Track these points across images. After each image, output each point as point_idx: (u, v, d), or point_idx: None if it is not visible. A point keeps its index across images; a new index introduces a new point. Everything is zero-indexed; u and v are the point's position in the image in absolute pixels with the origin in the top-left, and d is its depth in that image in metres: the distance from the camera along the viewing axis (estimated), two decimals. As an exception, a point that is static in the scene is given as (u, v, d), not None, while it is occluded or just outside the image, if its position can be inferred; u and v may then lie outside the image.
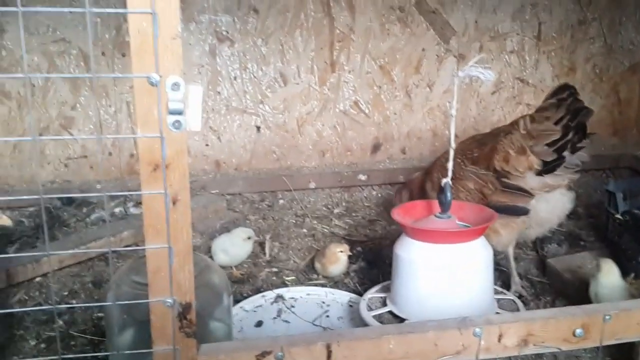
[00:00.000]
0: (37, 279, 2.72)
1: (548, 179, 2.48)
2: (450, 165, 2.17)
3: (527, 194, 2.48)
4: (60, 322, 2.38)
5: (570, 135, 2.43)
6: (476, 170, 2.66)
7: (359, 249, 3.08)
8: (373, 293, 2.41)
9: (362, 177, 3.95)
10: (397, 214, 2.27)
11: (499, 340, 1.55)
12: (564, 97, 2.46)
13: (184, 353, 1.32)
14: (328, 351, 1.41)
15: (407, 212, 2.33)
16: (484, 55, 4.00)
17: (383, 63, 4.01)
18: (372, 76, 4.02)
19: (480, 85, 4.15)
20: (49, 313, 2.43)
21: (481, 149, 2.69)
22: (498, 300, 2.22)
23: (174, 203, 1.24)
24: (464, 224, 2.25)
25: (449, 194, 2.17)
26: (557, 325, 1.59)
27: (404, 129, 4.15)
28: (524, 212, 2.51)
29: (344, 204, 3.82)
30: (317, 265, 2.81)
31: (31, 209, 3.40)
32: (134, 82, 1.15)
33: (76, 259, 2.84)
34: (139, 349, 1.39)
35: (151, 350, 1.31)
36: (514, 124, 2.59)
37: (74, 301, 2.59)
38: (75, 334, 2.32)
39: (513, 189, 2.52)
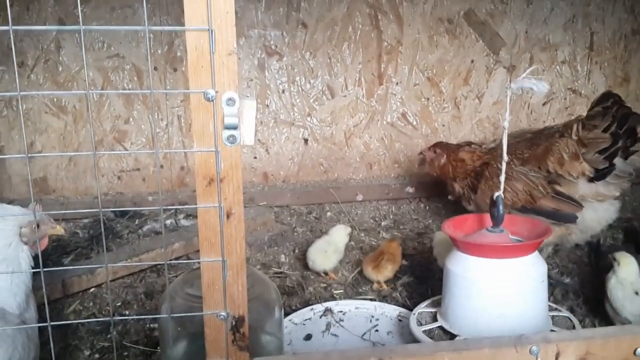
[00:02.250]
0: (92, 290, 2.78)
1: (600, 187, 2.43)
2: (502, 178, 2.13)
3: (577, 203, 2.43)
4: (114, 333, 2.43)
5: (620, 143, 2.38)
6: (527, 172, 2.62)
7: (406, 262, 3.05)
8: (423, 308, 2.38)
9: (410, 190, 3.92)
10: (448, 228, 2.24)
11: (556, 358, 1.51)
12: (609, 105, 2.41)
13: (237, 366, 1.33)
14: (381, 367, 1.39)
15: (458, 226, 2.30)
16: (536, 66, 3.94)
17: (431, 75, 3.99)
18: (420, 88, 4.00)
19: (531, 96, 4.09)
20: (103, 324, 2.47)
21: (532, 149, 2.65)
22: (552, 317, 2.16)
23: (228, 216, 1.25)
24: (517, 238, 2.20)
25: (501, 208, 2.12)
26: (617, 343, 1.53)
27: (452, 140, 4.10)
28: (572, 219, 2.45)
29: (391, 216, 3.79)
30: (367, 270, 2.82)
31: (85, 220, 3.49)
32: (191, 97, 1.17)
33: (129, 270, 2.89)
34: (192, 360, 1.41)
35: (205, 362, 1.32)
36: (567, 127, 2.55)
37: (127, 312, 2.63)
38: (128, 344, 2.36)
39: (564, 198, 2.47)
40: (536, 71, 2.52)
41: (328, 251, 2.90)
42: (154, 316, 1.49)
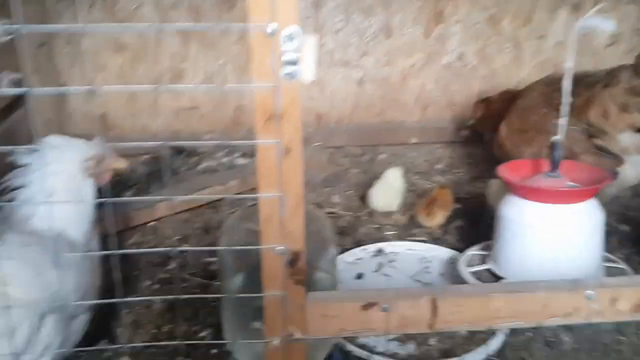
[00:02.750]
0: (151, 223, 2.88)
1: None
2: (564, 121, 2.07)
3: (619, 158, 2.34)
4: (173, 265, 2.52)
5: None
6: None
7: (460, 206, 3.04)
8: (474, 251, 2.39)
9: (466, 133, 3.86)
10: (504, 171, 2.21)
11: (612, 304, 1.49)
12: None
13: (293, 299, 1.36)
14: (433, 306, 1.40)
15: (514, 170, 2.26)
16: (604, 4, 3.75)
17: (492, 13, 3.84)
18: (479, 27, 3.87)
19: (596, 37, 3.91)
20: (162, 256, 2.57)
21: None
22: (607, 268, 2.13)
23: (286, 153, 1.26)
24: (574, 184, 2.16)
25: (559, 152, 2.07)
26: (675, 291, 1.50)
27: (511, 83, 3.99)
28: (614, 175, 2.37)
29: (445, 159, 3.75)
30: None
31: (144, 157, 3.57)
32: (251, 32, 1.16)
33: (187, 205, 2.97)
34: (248, 292, 1.45)
35: (262, 295, 1.35)
36: (612, 75, 2.41)
37: (185, 245, 2.72)
38: (186, 276, 2.45)
39: (606, 152, 2.37)
40: (604, 9, 2.39)
41: (390, 193, 2.94)
42: (213, 248, 1.53)
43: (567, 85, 2.02)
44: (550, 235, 2.02)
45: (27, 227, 1.74)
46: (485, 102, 3.38)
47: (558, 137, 2.05)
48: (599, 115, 2.41)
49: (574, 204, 2.02)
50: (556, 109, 2.64)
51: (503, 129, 2.89)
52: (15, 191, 1.80)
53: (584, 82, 2.57)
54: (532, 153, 2.71)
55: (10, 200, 1.78)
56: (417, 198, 3.07)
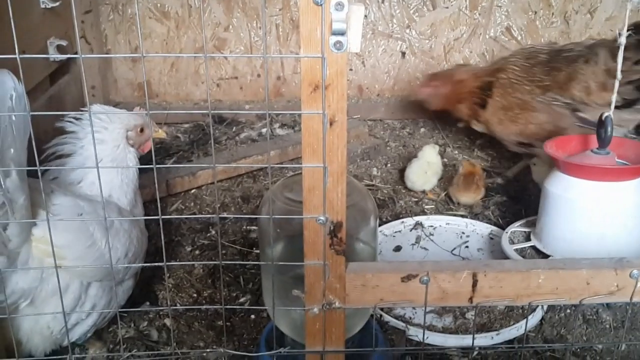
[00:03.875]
0: (192, 191, 2.92)
1: (625, 113, 2.31)
2: (614, 97, 2.02)
3: None
4: (213, 232, 2.56)
5: None
6: (550, 101, 2.51)
7: (500, 181, 3.00)
8: (516, 227, 2.36)
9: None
10: (550, 147, 2.18)
11: (657, 285, 1.47)
12: None
13: (333, 269, 1.37)
14: (474, 280, 1.40)
15: (561, 146, 2.23)
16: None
17: (541, -14, 3.75)
18: (527, 1, 3.77)
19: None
20: (203, 222, 2.61)
21: (552, 74, 2.53)
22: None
23: (331, 124, 1.25)
24: (623, 161, 2.11)
25: (609, 128, 2.03)
26: None
27: (558, 58, 3.91)
28: None
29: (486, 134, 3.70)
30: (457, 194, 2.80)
31: (185, 125, 3.62)
32: (300, 1, 1.16)
33: (227, 174, 3.00)
34: (288, 261, 1.47)
35: (303, 263, 1.37)
36: (594, 51, 2.42)
37: (225, 213, 2.76)
38: (226, 243, 2.49)
39: (589, 125, 2.36)
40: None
41: (428, 172, 2.89)
42: (255, 216, 1.55)
43: (619, 61, 1.96)
44: (598, 213, 1.99)
45: (76, 192, 1.79)
46: (442, 77, 3.28)
47: (609, 114, 2.00)
48: (582, 91, 2.43)
49: (622, 182, 1.98)
50: (538, 85, 2.62)
51: (488, 108, 2.85)
52: (63, 158, 1.86)
53: (563, 57, 2.56)
54: (518, 130, 2.70)
55: (58, 165, 1.83)
56: (456, 173, 3.03)
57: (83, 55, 1.20)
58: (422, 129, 3.74)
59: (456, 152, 3.43)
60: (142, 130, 1.99)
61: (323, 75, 1.22)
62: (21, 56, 1.19)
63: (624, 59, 2.28)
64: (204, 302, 2.15)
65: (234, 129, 3.56)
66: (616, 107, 2.34)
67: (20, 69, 1.22)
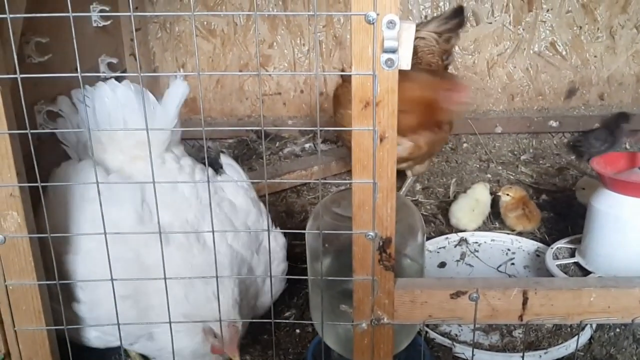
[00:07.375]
0: (237, 205, 2.95)
1: None
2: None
3: None
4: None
5: None
6: None
7: (545, 197, 2.97)
8: (562, 244, 2.34)
9: (554, 124, 3.74)
10: (598, 164, 2.15)
11: None
12: None
13: (382, 284, 1.38)
14: (524, 298, 1.39)
15: (609, 163, 2.20)
16: None
17: (586, 1, 3.71)
18: (572, 15, 3.74)
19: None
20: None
21: None
22: None
23: (381, 140, 1.27)
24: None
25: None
26: None
27: (604, 73, 3.85)
28: None
29: (531, 150, 3.67)
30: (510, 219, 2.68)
31: (230, 140, 3.67)
32: (352, 19, 1.18)
33: (271, 189, 3.03)
34: (334, 276, 1.47)
35: (352, 279, 1.38)
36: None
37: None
38: (271, 257, 2.50)
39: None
40: None
41: (475, 210, 2.70)
42: (304, 231, 1.57)
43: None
44: (644, 231, 1.96)
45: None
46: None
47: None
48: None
49: (671, 200, 1.94)
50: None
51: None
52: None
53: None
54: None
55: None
56: (499, 188, 2.94)
57: (142, 74, 1.24)
58: (465, 145, 3.72)
59: (499, 167, 3.40)
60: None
61: (374, 92, 1.23)
62: (82, 74, 1.24)
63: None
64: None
65: (277, 144, 3.60)
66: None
67: (82, 85, 1.27)
